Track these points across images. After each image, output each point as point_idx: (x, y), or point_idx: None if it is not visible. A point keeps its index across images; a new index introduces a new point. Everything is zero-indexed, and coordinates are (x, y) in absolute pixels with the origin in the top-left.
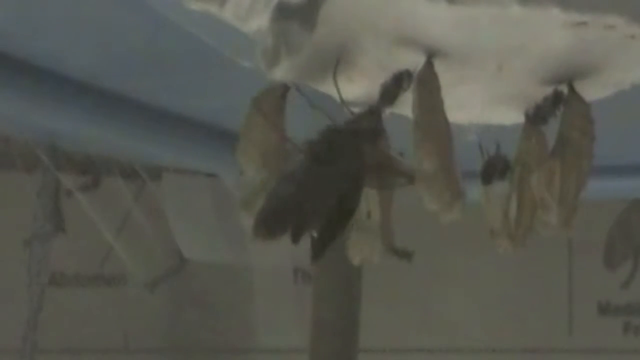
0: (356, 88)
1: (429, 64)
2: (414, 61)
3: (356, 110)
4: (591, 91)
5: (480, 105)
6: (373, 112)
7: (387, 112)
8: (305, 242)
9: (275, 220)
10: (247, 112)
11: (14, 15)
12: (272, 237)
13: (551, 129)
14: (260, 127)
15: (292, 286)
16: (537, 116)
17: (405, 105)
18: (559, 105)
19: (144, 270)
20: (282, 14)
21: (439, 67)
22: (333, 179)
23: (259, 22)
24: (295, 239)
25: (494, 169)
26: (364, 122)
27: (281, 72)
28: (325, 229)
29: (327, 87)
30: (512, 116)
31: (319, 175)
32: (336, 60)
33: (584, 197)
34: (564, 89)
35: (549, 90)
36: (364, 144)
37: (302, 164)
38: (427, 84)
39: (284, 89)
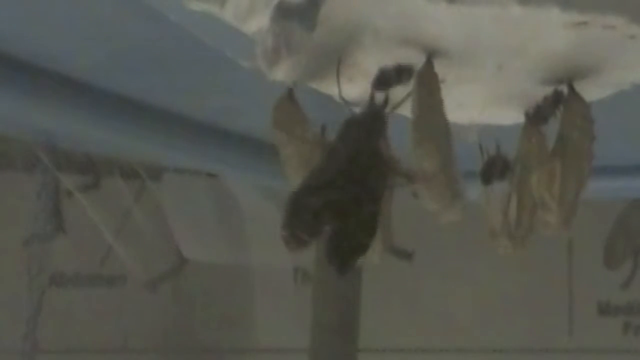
0: (356, 88)
1: (428, 64)
2: (413, 61)
3: (357, 109)
4: (591, 91)
5: (480, 105)
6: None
7: (388, 112)
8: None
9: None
10: (271, 131)
11: (14, 16)
12: (307, 239)
13: (551, 129)
14: (289, 143)
15: (292, 286)
16: (537, 116)
17: (405, 105)
18: (559, 105)
19: (144, 270)
20: (282, 14)
21: (438, 66)
22: (354, 169)
23: (259, 22)
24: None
25: (494, 169)
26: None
27: (281, 72)
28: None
29: (327, 87)
30: (512, 116)
31: (340, 168)
32: (338, 60)
33: (584, 197)
34: (564, 88)
35: (548, 90)
36: (367, 128)
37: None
38: (427, 84)
39: (289, 91)
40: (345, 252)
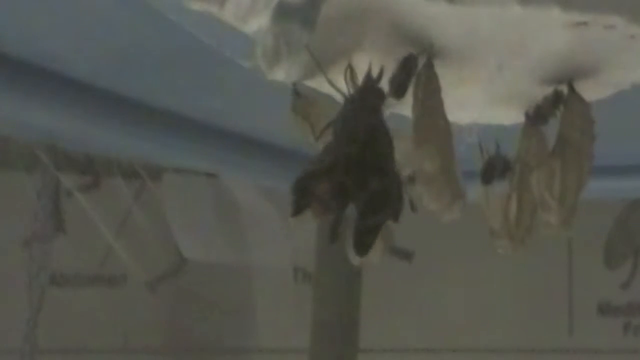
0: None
1: (428, 64)
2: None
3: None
4: (591, 91)
5: (480, 105)
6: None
7: (388, 112)
8: (305, 242)
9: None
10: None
11: (14, 17)
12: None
13: (551, 129)
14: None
15: (292, 286)
16: (537, 116)
17: (406, 105)
18: (559, 105)
19: (144, 270)
20: (282, 14)
21: (438, 67)
22: (356, 147)
23: (259, 22)
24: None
25: (494, 169)
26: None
27: (281, 73)
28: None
29: (327, 88)
30: (512, 116)
31: (342, 148)
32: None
33: (584, 197)
34: (564, 88)
35: (548, 90)
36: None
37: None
38: (427, 85)
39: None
40: (361, 232)
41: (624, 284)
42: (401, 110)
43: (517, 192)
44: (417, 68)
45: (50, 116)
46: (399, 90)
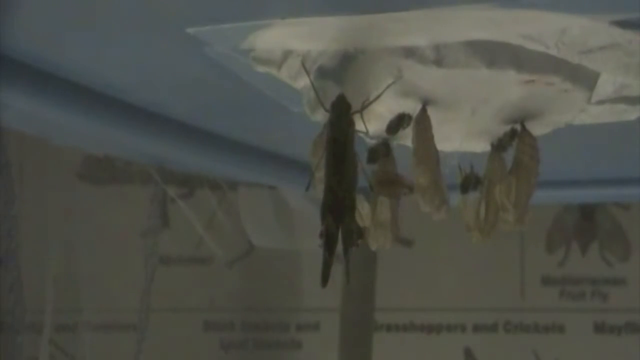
0: (373, 126)
1: (423, 110)
2: (413, 107)
3: (373, 140)
4: (537, 128)
5: (459, 138)
6: (384, 141)
7: (395, 143)
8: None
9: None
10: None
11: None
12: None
13: (509, 155)
14: None
15: None
16: (499, 146)
17: (407, 139)
18: (514, 138)
19: (224, 253)
20: (321, 75)
21: (430, 111)
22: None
23: (305, 81)
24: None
25: (469, 183)
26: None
27: (319, 115)
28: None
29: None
30: (482, 146)
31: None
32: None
33: (532, 202)
34: (518, 127)
35: (507, 127)
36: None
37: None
38: (422, 123)
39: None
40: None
41: (560, 263)
42: (404, 142)
43: (485, 199)
44: (410, 120)
45: (157, 147)
46: (391, 130)
